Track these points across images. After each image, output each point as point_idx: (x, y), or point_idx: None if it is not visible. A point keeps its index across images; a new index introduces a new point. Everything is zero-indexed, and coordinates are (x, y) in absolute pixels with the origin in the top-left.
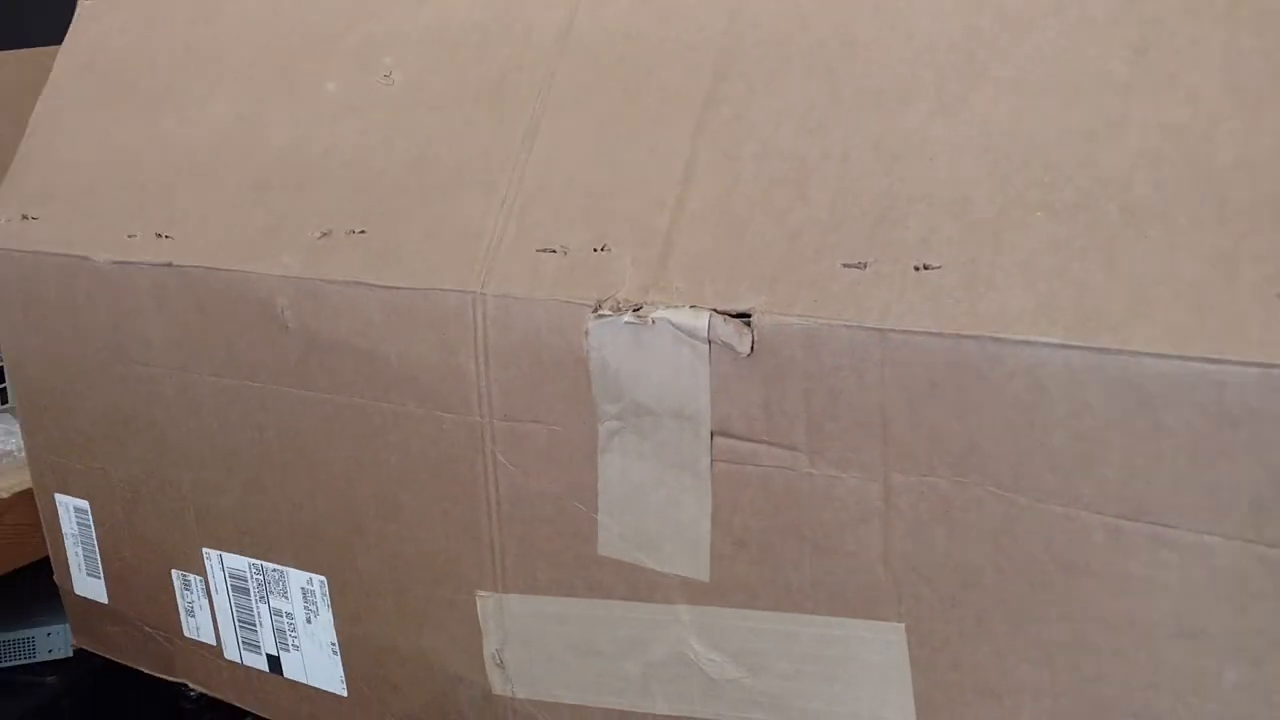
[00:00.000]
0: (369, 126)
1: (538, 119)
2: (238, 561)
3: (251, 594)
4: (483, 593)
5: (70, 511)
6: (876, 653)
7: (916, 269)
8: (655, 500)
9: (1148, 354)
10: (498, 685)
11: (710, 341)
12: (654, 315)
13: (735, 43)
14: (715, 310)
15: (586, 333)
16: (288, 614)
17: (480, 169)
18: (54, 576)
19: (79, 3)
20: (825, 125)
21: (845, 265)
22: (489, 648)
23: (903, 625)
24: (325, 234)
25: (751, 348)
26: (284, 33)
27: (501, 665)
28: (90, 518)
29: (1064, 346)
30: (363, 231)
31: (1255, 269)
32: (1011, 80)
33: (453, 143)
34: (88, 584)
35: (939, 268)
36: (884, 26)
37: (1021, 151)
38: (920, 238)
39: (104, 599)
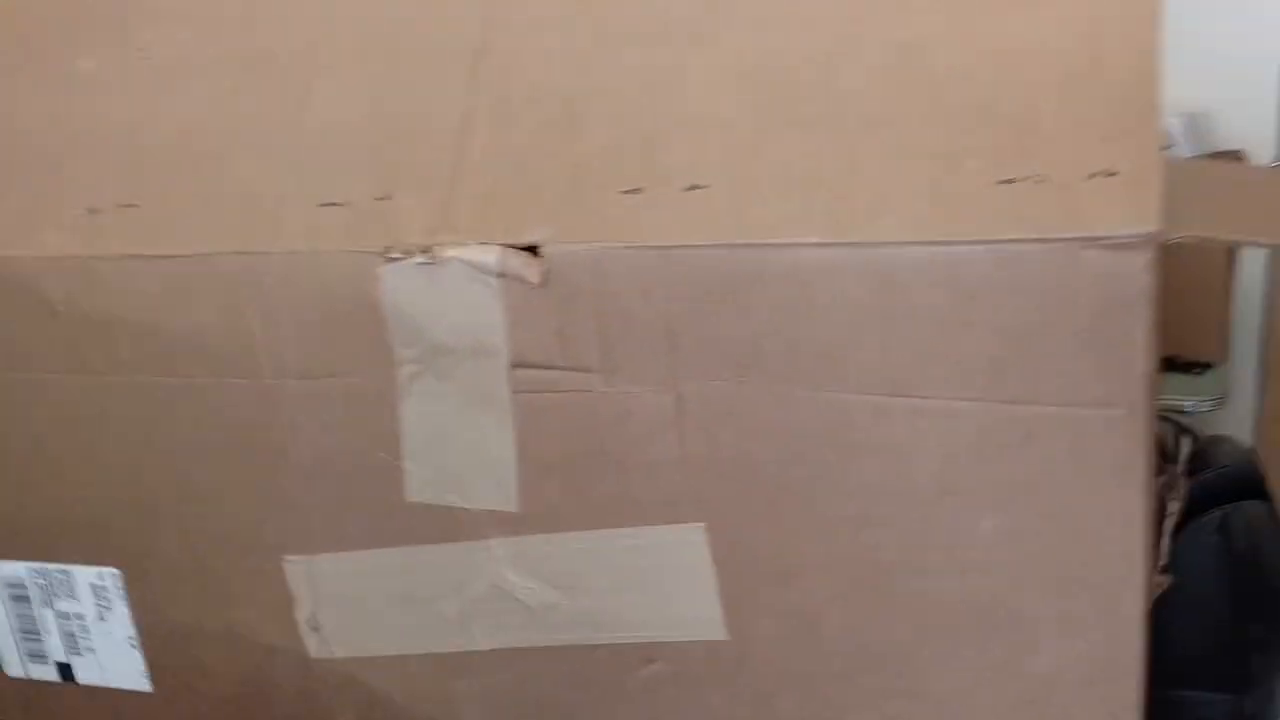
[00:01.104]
0: (131, 102)
1: (308, 81)
2: (13, 569)
3: (33, 601)
4: (291, 557)
5: None
6: (680, 555)
7: (687, 189)
8: (460, 439)
9: (893, 243)
10: (314, 649)
11: (502, 275)
12: (445, 255)
13: None
14: (504, 245)
15: (378, 279)
16: (77, 615)
17: (253, 133)
18: None
19: None
20: (590, 65)
21: (623, 192)
22: (302, 613)
23: (702, 525)
24: (93, 211)
25: (542, 278)
26: (32, 14)
27: (317, 629)
28: None
29: (821, 245)
30: (134, 205)
31: (975, 162)
32: (757, 17)
33: (221, 111)
34: None
35: (707, 186)
36: None
37: (770, 77)
38: (688, 161)
39: None
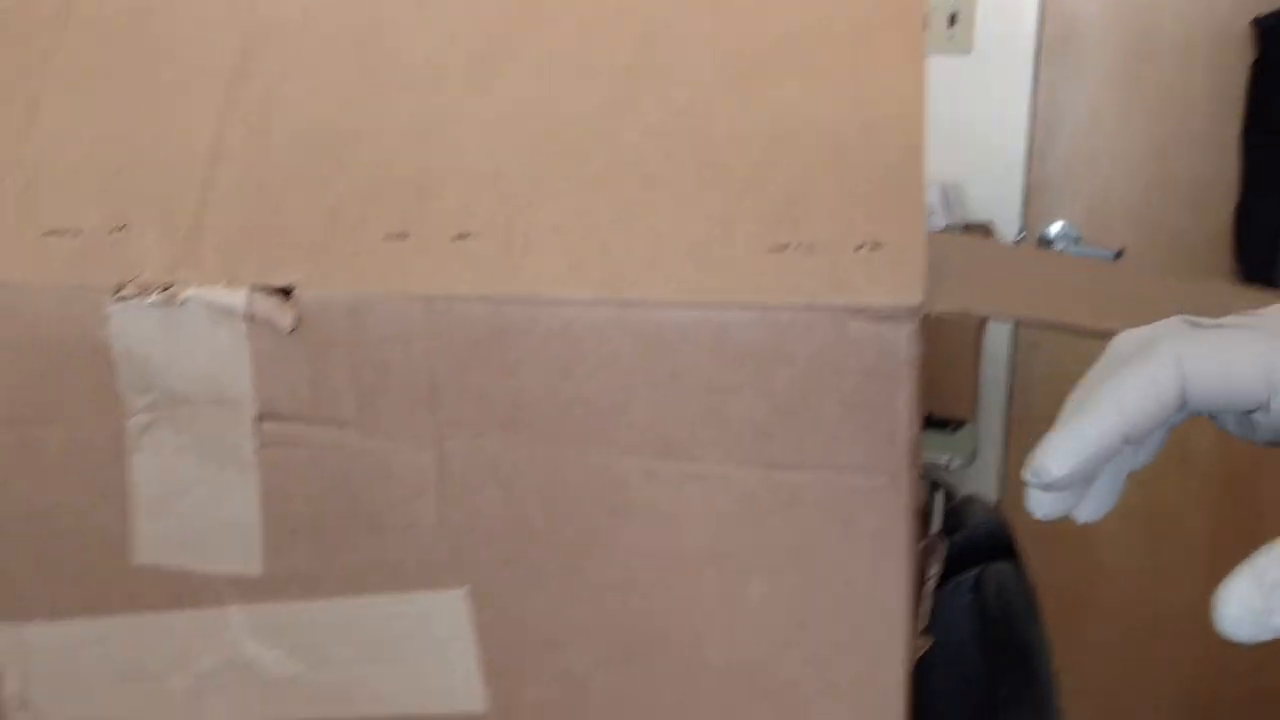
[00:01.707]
0: None
1: (37, 96)
2: None
3: None
4: None
5: None
6: (439, 623)
7: (456, 238)
8: (197, 496)
9: (664, 304)
10: None
11: (250, 318)
12: (185, 294)
13: (263, 20)
14: (254, 286)
15: (107, 318)
16: None
17: None
18: None
19: None
20: (358, 102)
21: (386, 237)
22: (8, 689)
23: (463, 591)
24: None
25: (294, 324)
26: None
27: (26, 707)
28: None
29: (593, 303)
30: None
31: (748, 227)
32: (536, 65)
33: None
34: None
35: (478, 235)
36: (412, 9)
37: (547, 127)
38: (458, 207)
39: None
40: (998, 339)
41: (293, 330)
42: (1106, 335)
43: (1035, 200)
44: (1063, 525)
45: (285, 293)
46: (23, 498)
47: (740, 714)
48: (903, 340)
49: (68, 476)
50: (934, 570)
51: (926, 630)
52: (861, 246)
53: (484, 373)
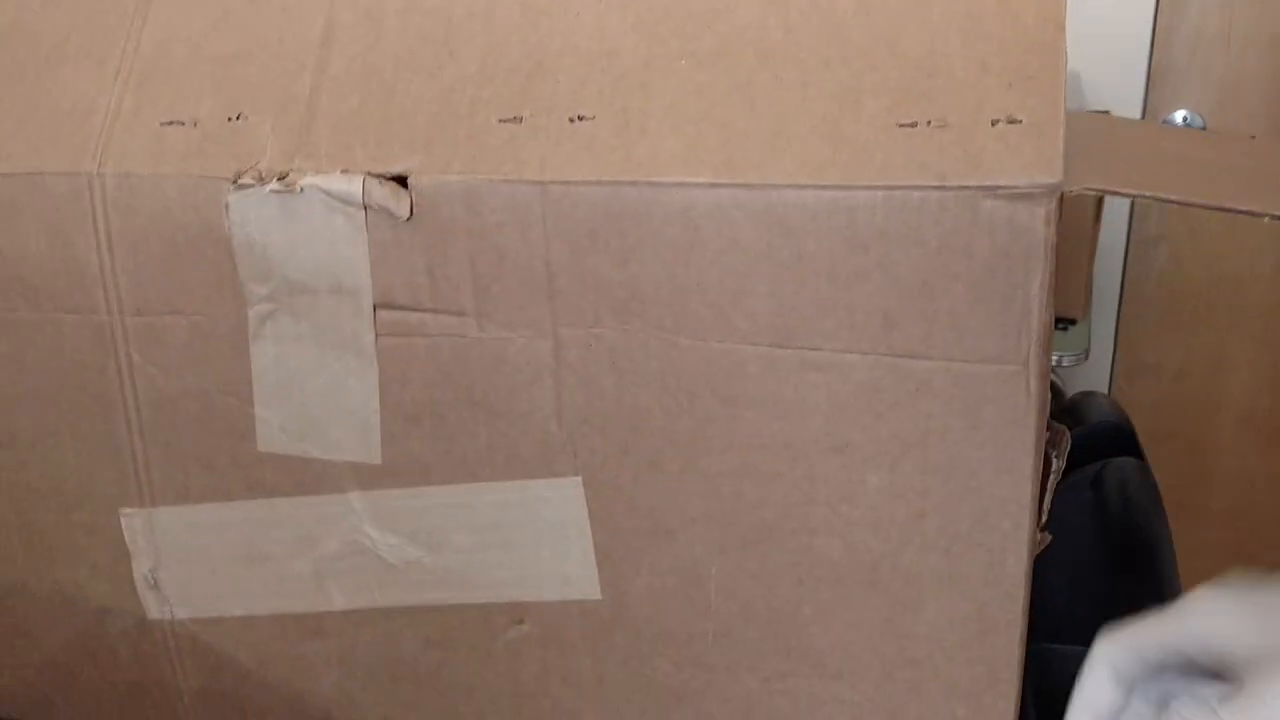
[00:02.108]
0: None
1: None
2: None
3: None
4: (127, 510)
5: None
6: (555, 510)
7: (571, 120)
8: (317, 385)
9: (787, 186)
10: (153, 609)
11: (366, 207)
12: (302, 183)
13: None
14: (369, 173)
15: (226, 207)
16: None
17: (86, 40)
18: None
19: None
20: None
21: (501, 120)
22: (139, 570)
23: (579, 479)
24: None
25: (410, 211)
26: None
27: (156, 587)
28: None
29: (713, 186)
30: None
31: (876, 102)
32: None
33: (49, 14)
34: None
35: (592, 118)
36: None
37: (662, 4)
38: (572, 90)
39: None
40: (1112, 235)
41: (409, 218)
42: (1257, 215)
43: (1158, 87)
44: (1174, 424)
45: (401, 180)
46: (151, 385)
47: (857, 605)
48: (1039, 221)
49: (193, 365)
50: (1058, 465)
51: (1045, 526)
52: (996, 122)
53: (601, 259)
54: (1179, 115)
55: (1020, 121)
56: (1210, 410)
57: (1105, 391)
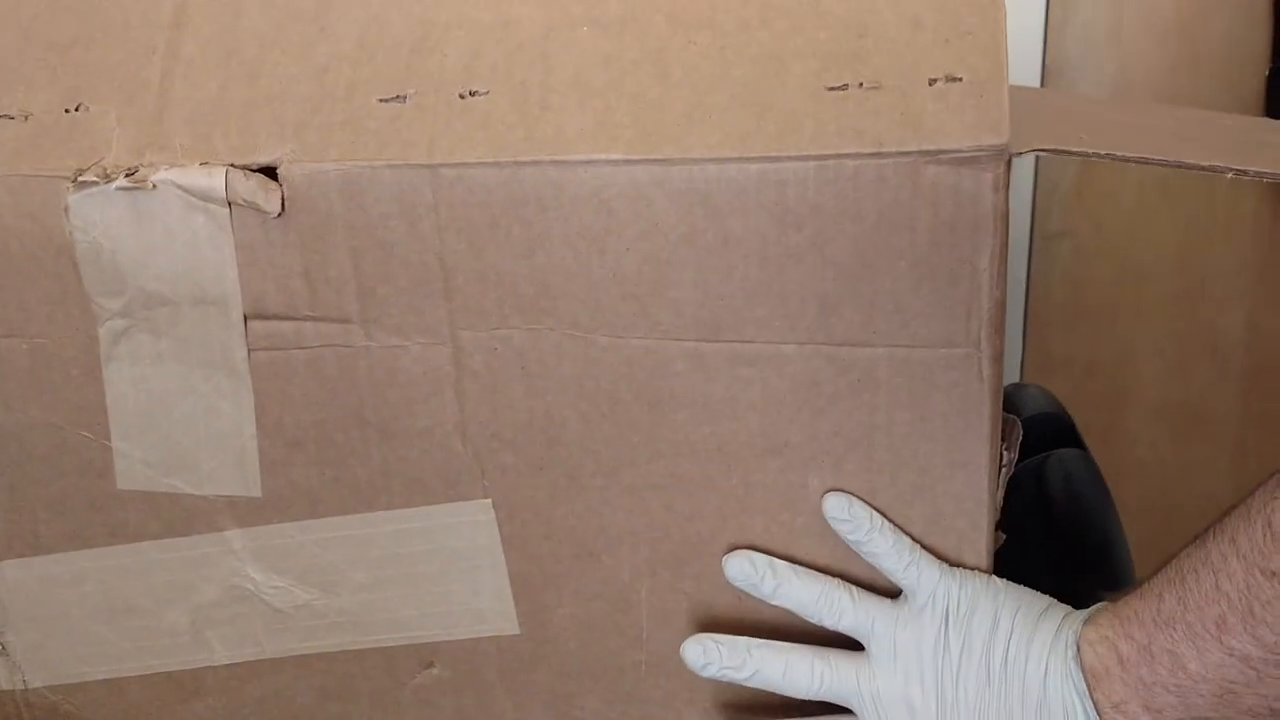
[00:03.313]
0: None
1: None
2: None
3: None
4: None
5: None
6: (463, 537)
7: (462, 96)
8: (183, 410)
9: (709, 160)
10: (3, 679)
11: (230, 203)
12: (154, 178)
13: None
14: (232, 165)
15: (66, 210)
16: None
17: None
18: None
19: None
20: None
21: (382, 100)
22: None
23: (489, 501)
24: None
25: (281, 206)
26: None
27: (4, 652)
28: None
29: (626, 162)
30: None
31: (802, 65)
32: None
33: None
34: None
35: (486, 93)
36: None
37: None
38: (462, 64)
39: None
40: (1016, 231)
41: (280, 214)
42: (1219, 171)
43: (1052, 83)
44: (1086, 418)
45: (269, 171)
46: None
47: None
48: (987, 186)
49: (37, 394)
50: (1009, 457)
51: (1000, 524)
52: (935, 81)
53: (503, 251)
54: None
55: (960, 79)
56: (1121, 403)
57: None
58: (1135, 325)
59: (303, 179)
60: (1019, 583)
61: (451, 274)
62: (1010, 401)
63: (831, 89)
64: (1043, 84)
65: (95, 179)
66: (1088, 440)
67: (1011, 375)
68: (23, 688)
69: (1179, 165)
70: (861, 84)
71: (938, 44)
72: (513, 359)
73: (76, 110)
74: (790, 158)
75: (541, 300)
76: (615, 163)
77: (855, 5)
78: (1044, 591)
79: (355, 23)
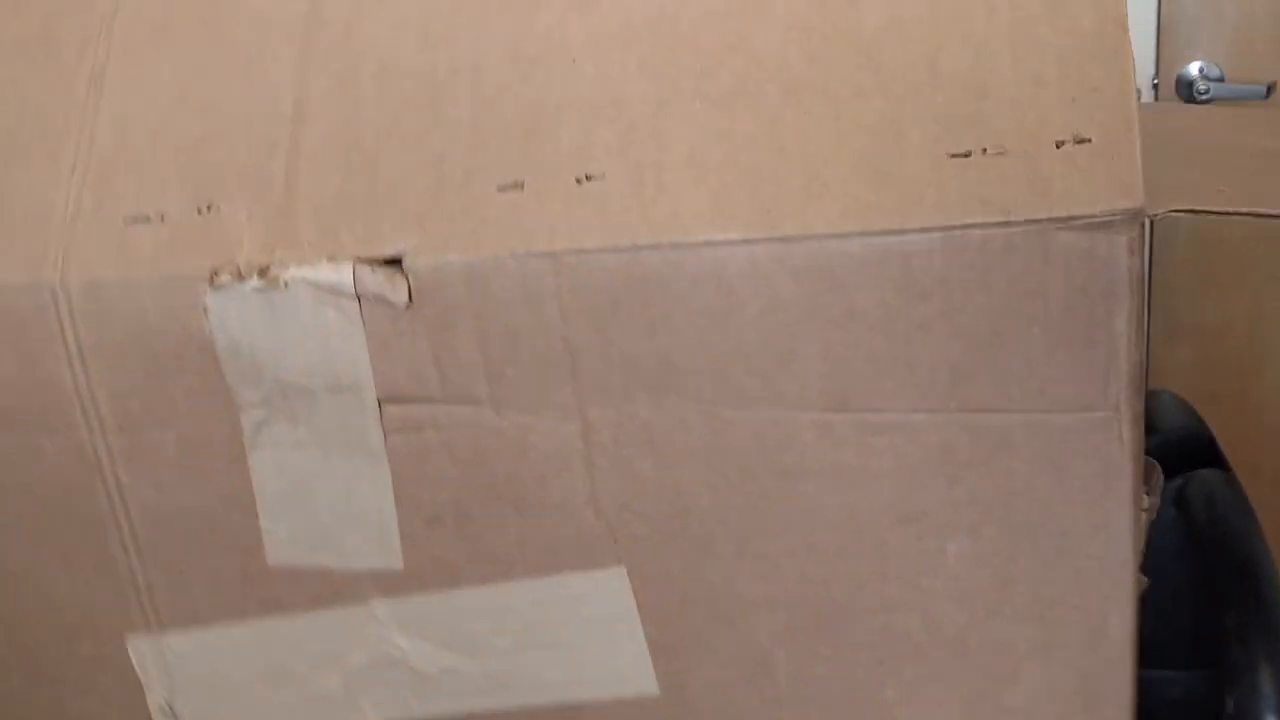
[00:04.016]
0: None
1: (102, 66)
2: None
3: None
4: (134, 638)
5: None
6: (600, 604)
7: (579, 181)
8: (325, 491)
9: (831, 235)
10: None
11: (359, 297)
12: (285, 276)
13: None
14: (359, 259)
15: (205, 310)
16: None
17: (36, 134)
18: None
19: None
20: (450, 36)
21: (500, 188)
22: (155, 700)
23: (623, 568)
24: None
25: (409, 297)
26: None
27: (173, 717)
28: None
29: (745, 242)
30: None
31: (921, 131)
32: None
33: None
34: None
35: (602, 177)
36: None
37: (668, 41)
38: (576, 147)
39: None
40: None
41: (408, 305)
42: None
43: (1168, 39)
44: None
45: (395, 263)
46: (148, 505)
47: (944, 682)
48: (1122, 251)
49: (188, 480)
50: (1151, 502)
51: (1143, 566)
52: (1062, 143)
53: (626, 332)
54: (1194, 67)
55: (1089, 140)
56: (1254, 368)
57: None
58: (1265, 287)
59: (427, 271)
60: (1162, 614)
61: (577, 354)
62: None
63: (953, 156)
64: (1158, 41)
65: (229, 279)
66: (1219, 407)
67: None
68: None
69: None
70: (985, 149)
71: (1063, 103)
72: (639, 433)
73: (208, 210)
74: (913, 230)
75: (666, 377)
76: (734, 243)
77: (974, 64)
78: (1189, 625)
79: (468, 109)
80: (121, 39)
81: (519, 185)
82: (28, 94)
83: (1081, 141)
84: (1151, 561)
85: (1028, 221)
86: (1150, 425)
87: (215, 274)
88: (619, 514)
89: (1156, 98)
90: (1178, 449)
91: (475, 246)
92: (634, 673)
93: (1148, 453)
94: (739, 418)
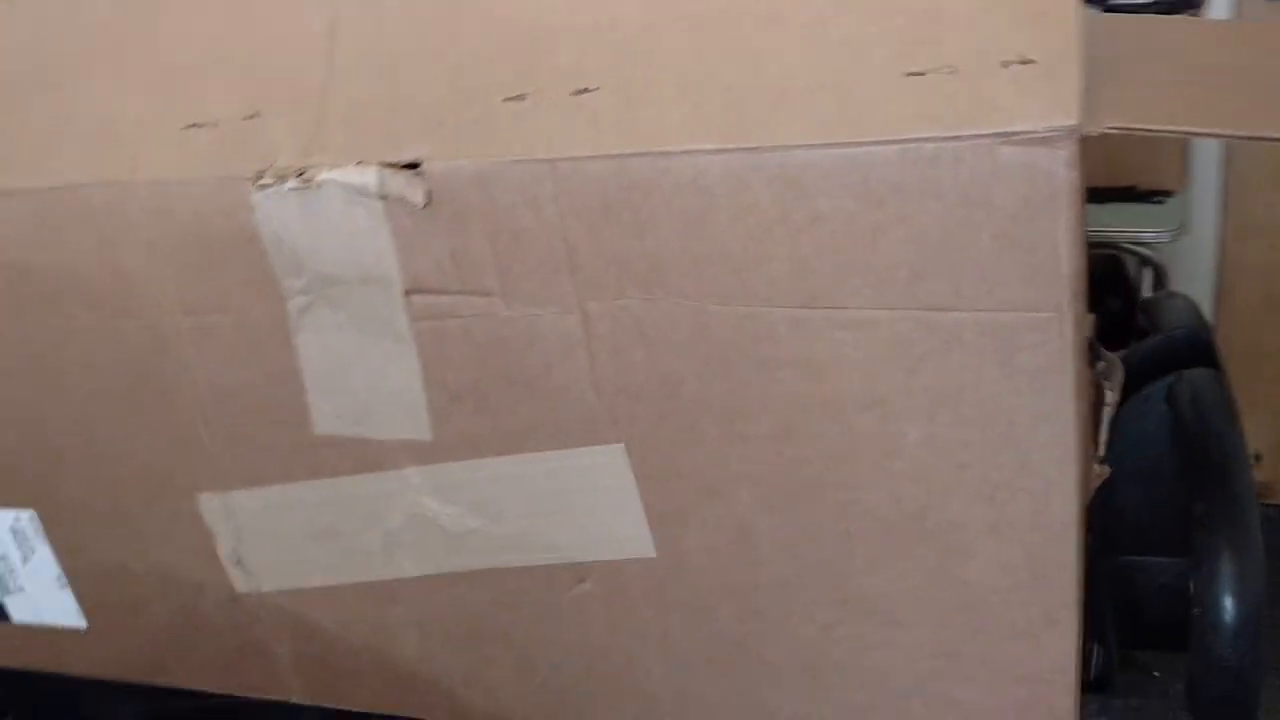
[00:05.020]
0: None
1: None
2: None
3: None
4: (206, 495)
5: None
6: (603, 475)
7: (575, 94)
8: (362, 371)
9: (798, 146)
10: (241, 584)
11: (383, 197)
12: (319, 178)
13: None
14: (383, 163)
15: (252, 208)
16: (3, 556)
17: (105, 50)
18: None
19: None
20: None
21: (506, 99)
22: (224, 549)
23: (622, 445)
24: None
25: (427, 199)
26: None
27: (240, 564)
28: None
29: (721, 151)
30: None
31: (882, 52)
32: None
33: (70, 26)
34: None
35: (596, 90)
36: None
37: None
38: (574, 63)
39: None
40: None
41: (426, 205)
42: None
43: None
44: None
45: (414, 167)
46: (209, 380)
47: (903, 558)
48: (1060, 164)
49: (244, 359)
50: (1111, 398)
51: (1104, 459)
52: (1008, 63)
53: (617, 233)
54: None
55: (1033, 62)
56: None
57: (1215, 266)
58: None
59: (442, 175)
60: (1155, 504)
61: (574, 253)
62: (1154, 310)
63: (910, 74)
64: None
65: (271, 180)
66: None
67: (1208, 244)
68: (257, 590)
69: (1259, 138)
70: (938, 69)
71: (1010, 27)
72: (632, 325)
73: (254, 118)
74: (872, 142)
75: (654, 274)
76: (710, 152)
77: None
78: (1167, 514)
79: (479, 27)
80: None
81: (521, 97)
82: (95, 14)
83: (1026, 62)
84: (1145, 452)
85: (974, 136)
86: (1156, 322)
87: (260, 175)
88: (616, 397)
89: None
90: (1177, 349)
91: (483, 153)
92: (634, 537)
93: (1151, 350)
94: (720, 312)
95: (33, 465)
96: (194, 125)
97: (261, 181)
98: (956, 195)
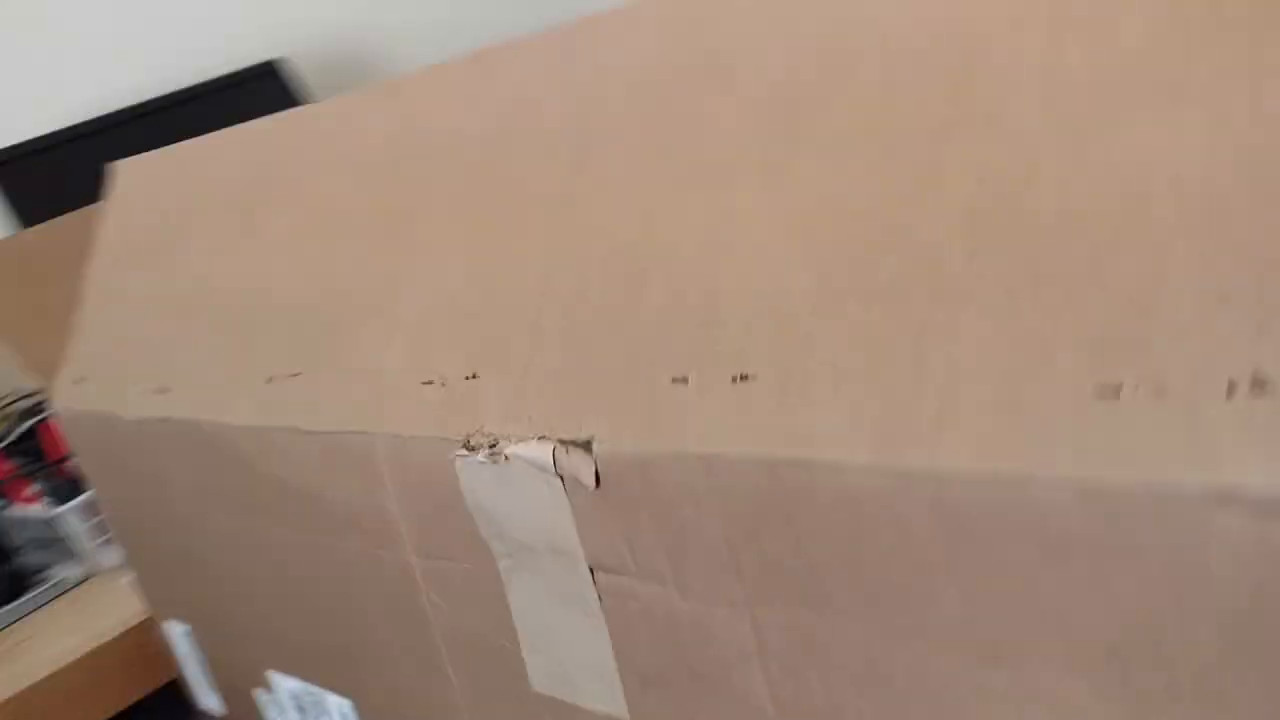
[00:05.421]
0: (301, 261)
1: (423, 234)
2: (291, 683)
3: (307, 712)
4: None
5: (179, 634)
6: None
7: (734, 380)
8: (564, 637)
9: (951, 474)
10: None
11: (560, 476)
12: (507, 451)
13: (587, 126)
14: (560, 441)
15: (459, 472)
16: None
17: (373, 298)
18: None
19: (112, 167)
20: (656, 212)
21: (673, 380)
22: None
23: None
24: (269, 380)
25: (597, 480)
26: (264, 174)
27: None
28: (193, 640)
29: (870, 470)
30: (297, 374)
31: (1069, 356)
32: (833, 138)
33: (355, 272)
34: (208, 697)
35: (754, 377)
36: (712, 87)
37: (836, 226)
38: (739, 340)
39: (220, 710)
40: None
41: (597, 486)
42: None
43: None
44: None
45: (587, 445)
46: (450, 620)
47: None
48: None
49: (472, 606)
50: None
51: None
52: (1234, 387)
53: (775, 541)
54: None
55: (1270, 385)
56: None
57: None
58: None
59: (609, 457)
60: None
61: (737, 554)
62: None
63: (1103, 389)
64: None
65: (467, 450)
66: None
67: None
68: None
69: None
70: (1139, 385)
71: (1247, 329)
72: (801, 643)
73: (473, 378)
74: (1041, 479)
75: (818, 591)
76: (860, 468)
77: (1147, 269)
78: None
79: (661, 290)
80: (435, 208)
81: (685, 379)
82: (371, 261)
83: (1259, 385)
84: None
85: (1178, 491)
86: None
87: (466, 441)
88: (794, 716)
89: None
90: None
91: (647, 438)
92: None
93: None
94: (892, 648)
95: (346, 658)
96: (428, 381)
97: (460, 451)
98: (1163, 565)
